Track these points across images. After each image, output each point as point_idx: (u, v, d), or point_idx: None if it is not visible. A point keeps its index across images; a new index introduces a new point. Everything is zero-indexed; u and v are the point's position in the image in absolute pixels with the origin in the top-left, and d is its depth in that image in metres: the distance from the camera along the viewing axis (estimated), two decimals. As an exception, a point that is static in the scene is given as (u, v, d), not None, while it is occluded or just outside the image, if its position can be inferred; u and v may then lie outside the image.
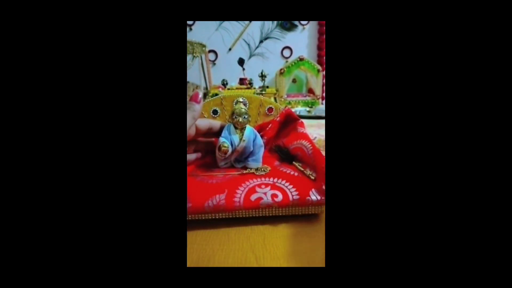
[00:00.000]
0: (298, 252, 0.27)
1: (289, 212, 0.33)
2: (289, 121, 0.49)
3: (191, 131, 0.29)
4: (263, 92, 1.78)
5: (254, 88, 1.87)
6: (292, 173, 0.37)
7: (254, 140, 0.41)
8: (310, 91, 2.19)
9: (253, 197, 0.32)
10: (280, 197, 0.32)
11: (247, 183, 0.35)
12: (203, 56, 1.91)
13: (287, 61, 2.23)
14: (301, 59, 2.04)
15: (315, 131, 0.75)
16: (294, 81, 2.23)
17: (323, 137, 0.66)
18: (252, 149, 0.41)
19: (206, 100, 0.50)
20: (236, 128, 0.40)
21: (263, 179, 0.36)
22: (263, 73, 1.80)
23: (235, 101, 0.45)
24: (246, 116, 0.40)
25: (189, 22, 2.08)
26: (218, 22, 2.17)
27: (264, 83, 1.83)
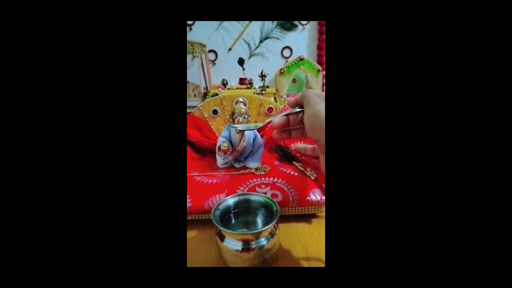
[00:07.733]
0: (298, 251, 0.27)
1: (289, 212, 0.33)
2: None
3: None
4: (263, 92, 1.78)
5: (254, 88, 1.87)
6: (292, 173, 0.38)
7: (254, 140, 0.41)
8: (310, 91, 2.19)
9: (253, 197, 0.32)
10: (280, 197, 0.32)
11: (247, 182, 0.35)
12: (203, 56, 1.91)
13: (287, 61, 2.23)
14: (301, 59, 2.04)
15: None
16: (294, 81, 2.23)
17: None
18: (252, 148, 0.41)
19: (206, 100, 0.50)
20: (236, 127, 0.40)
21: (263, 179, 0.36)
22: (263, 73, 1.80)
23: (235, 101, 0.45)
24: (246, 116, 0.40)
25: (189, 22, 2.08)
26: (218, 22, 2.17)
27: (264, 83, 1.83)
